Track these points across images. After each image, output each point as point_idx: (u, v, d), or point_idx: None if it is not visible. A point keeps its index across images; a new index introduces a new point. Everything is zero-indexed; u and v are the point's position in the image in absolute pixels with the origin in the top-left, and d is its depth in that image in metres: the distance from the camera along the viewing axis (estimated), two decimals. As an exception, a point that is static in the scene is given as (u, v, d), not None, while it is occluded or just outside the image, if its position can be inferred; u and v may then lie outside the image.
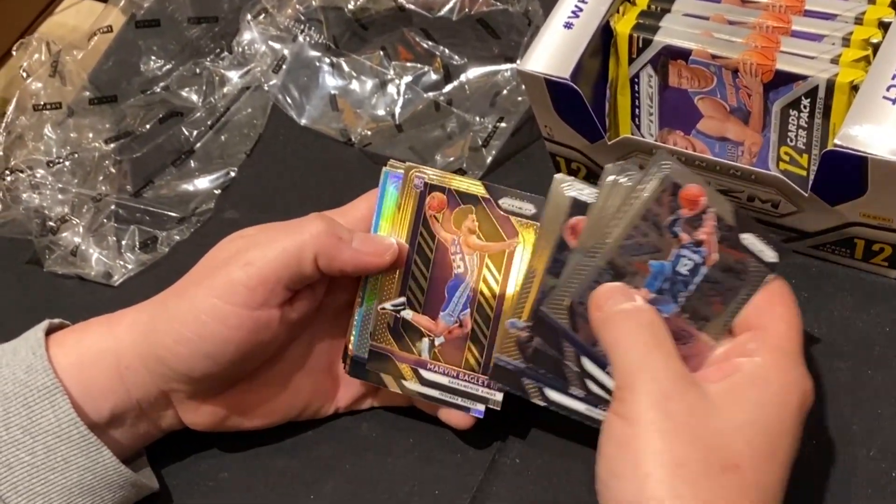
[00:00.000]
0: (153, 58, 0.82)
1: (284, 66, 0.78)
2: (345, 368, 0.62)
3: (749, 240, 0.55)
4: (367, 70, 0.78)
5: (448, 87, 0.77)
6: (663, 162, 0.54)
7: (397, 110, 0.76)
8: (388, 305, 0.60)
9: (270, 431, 0.63)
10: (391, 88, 0.77)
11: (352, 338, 0.61)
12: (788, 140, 0.62)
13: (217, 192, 0.77)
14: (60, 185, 0.75)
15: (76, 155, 0.76)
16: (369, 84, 0.78)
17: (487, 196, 0.59)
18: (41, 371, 0.57)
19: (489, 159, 0.73)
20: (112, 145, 0.78)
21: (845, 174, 0.56)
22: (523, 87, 0.65)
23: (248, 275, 0.57)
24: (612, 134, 0.67)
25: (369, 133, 0.76)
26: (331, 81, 0.79)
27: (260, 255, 0.57)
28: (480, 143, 0.73)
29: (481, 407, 0.60)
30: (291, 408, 0.63)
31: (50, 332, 0.60)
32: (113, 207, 0.76)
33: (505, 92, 0.75)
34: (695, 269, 0.54)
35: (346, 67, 0.78)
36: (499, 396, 0.59)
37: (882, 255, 0.62)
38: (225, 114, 0.79)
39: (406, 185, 0.60)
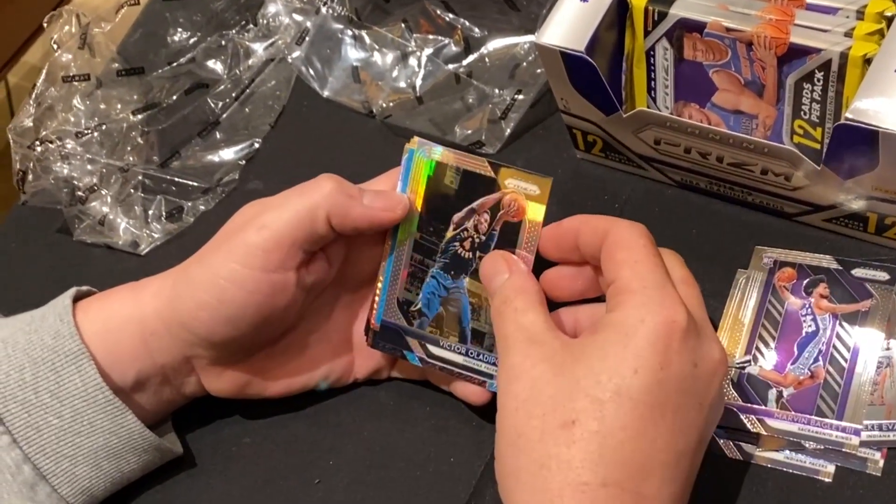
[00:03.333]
0: (179, 30, 0.83)
1: (308, 39, 0.79)
2: (367, 341, 0.63)
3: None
4: (389, 42, 0.78)
5: (468, 60, 0.77)
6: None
7: (418, 82, 0.76)
8: None
9: (291, 399, 0.65)
10: (412, 61, 0.77)
11: (375, 311, 0.62)
12: (802, 113, 0.62)
13: (242, 162, 0.78)
14: (89, 156, 0.77)
15: (104, 126, 0.78)
16: (391, 56, 0.78)
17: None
18: (68, 337, 0.59)
19: (507, 131, 0.73)
20: (139, 116, 0.79)
21: (857, 148, 0.57)
22: (541, 62, 0.66)
23: (264, 238, 0.58)
24: (628, 106, 0.68)
25: (391, 105, 0.76)
26: (353, 54, 0.79)
27: (274, 217, 0.58)
28: (499, 115, 0.73)
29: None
30: (311, 377, 0.64)
31: (77, 299, 0.62)
32: (140, 178, 0.77)
33: (524, 64, 0.75)
34: None
35: (368, 40, 0.79)
36: None
37: (895, 229, 0.62)
38: (250, 86, 0.80)
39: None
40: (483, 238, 0.60)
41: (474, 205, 0.60)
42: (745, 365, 0.61)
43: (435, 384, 0.64)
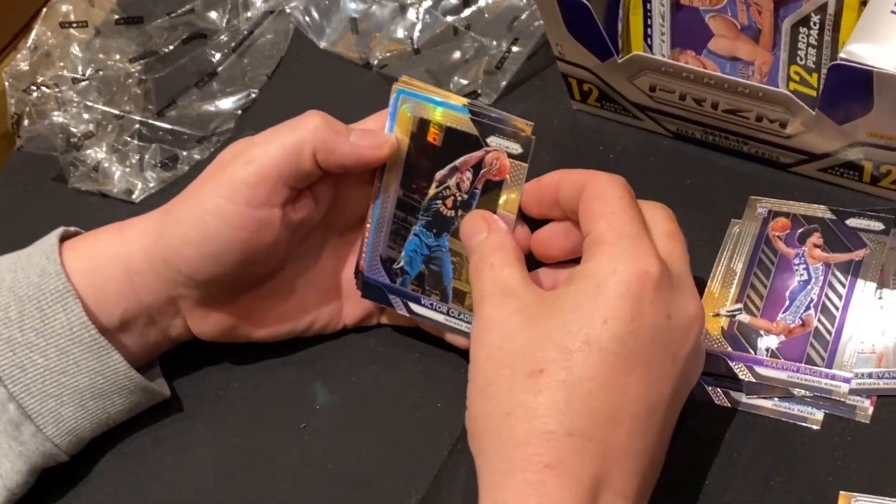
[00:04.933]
0: (180, -21, 0.83)
1: (307, -11, 0.79)
2: (357, 287, 0.63)
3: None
4: (388, -6, 0.78)
5: (467, 12, 0.76)
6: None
7: (416, 34, 0.76)
8: None
9: (279, 344, 0.65)
10: (411, 13, 0.77)
11: (364, 257, 0.62)
12: (798, 59, 0.62)
13: (238, 113, 0.78)
14: (86, 103, 0.77)
15: (101, 73, 0.78)
16: (389, 8, 0.78)
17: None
18: (54, 275, 0.59)
19: (503, 83, 0.73)
20: (137, 66, 0.79)
21: (851, 90, 0.56)
22: (537, 6, 0.65)
23: (249, 172, 0.57)
24: (624, 54, 0.67)
25: (387, 55, 0.76)
26: (351, 5, 0.79)
27: (260, 153, 0.58)
28: (495, 65, 0.73)
29: None
30: (299, 321, 0.64)
31: (64, 239, 0.61)
32: (136, 126, 0.77)
33: (522, 17, 0.75)
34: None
35: (366, -9, 0.79)
36: None
37: (889, 178, 0.61)
38: (248, 37, 0.80)
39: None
40: (465, 196, 0.59)
41: (457, 162, 0.59)
42: (736, 313, 0.60)
43: (425, 330, 0.64)
